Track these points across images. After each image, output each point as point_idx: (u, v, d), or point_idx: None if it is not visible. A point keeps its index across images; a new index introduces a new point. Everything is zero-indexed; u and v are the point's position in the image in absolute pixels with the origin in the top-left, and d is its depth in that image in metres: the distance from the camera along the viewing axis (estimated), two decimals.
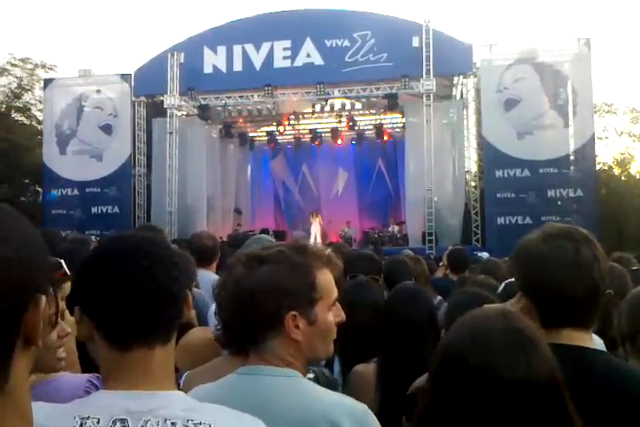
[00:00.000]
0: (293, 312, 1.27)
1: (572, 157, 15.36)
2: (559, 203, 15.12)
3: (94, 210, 17.45)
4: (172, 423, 0.95)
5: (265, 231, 14.71)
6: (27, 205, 20.50)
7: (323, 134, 19.70)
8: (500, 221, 15.09)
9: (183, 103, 16.98)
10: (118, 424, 0.94)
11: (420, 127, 15.59)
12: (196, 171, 17.35)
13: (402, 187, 18.46)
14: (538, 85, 15.22)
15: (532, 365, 1.09)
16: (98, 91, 17.72)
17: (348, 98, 17.36)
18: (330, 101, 17.54)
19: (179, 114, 17.54)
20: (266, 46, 16.32)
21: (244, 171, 21.26)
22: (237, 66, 16.60)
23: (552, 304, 1.39)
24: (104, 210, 17.43)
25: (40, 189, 20.73)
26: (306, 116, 18.94)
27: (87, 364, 1.57)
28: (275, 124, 19.14)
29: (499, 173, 15.31)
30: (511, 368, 1.08)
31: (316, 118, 19.29)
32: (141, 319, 1.00)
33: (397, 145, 19.30)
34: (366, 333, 2.34)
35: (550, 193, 15.03)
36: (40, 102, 20.76)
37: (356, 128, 19.10)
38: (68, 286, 1.38)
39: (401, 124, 18.87)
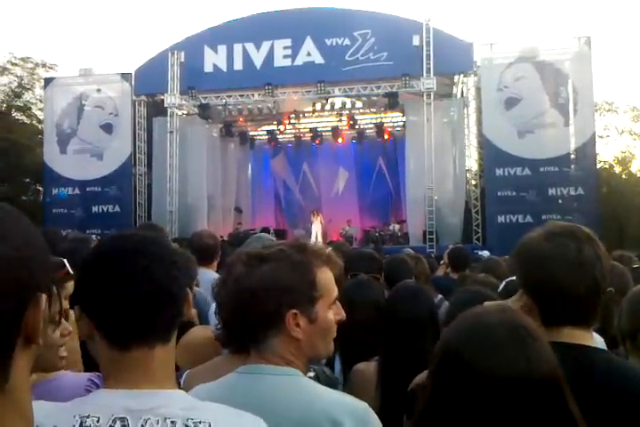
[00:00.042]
0: (294, 311, 1.27)
1: (572, 156, 15.35)
2: (560, 201, 15.12)
3: (95, 209, 17.46)
4: (172, 422, 0.95)
5: (266, 230, 14.73)
6: (27, 205, 20.52)
7: (323, 133, 19.65)
8: (501, 219, 15.08)
9: (184, 102, 16.97)
10: (118, 423, 0.94)
11: (420, 126, 15.59)
12: (196, 170, 17.34)
13: (402, 185, 18.45)
14: (538, 84, 15.20)
15: (532, 361, 1.08)
16: (98, 90, 17.73)
17: (348, 97, 17.34)
18: (330, 100, 17.55)
19: (179, 113, 17.54)
20: (266, 45, 16.30)
21: (244, 170, 21.25)
22: (238, 65, 16.58)
23: (553, 302, 1.39)
24: (105, 209, 17.44)
25: (41, 189, 20.73)
26: (306, 114, 18.92)
27: (88, 362, 1.57)
28: (275, 123, 19.15)
29: (499, 172, 15.29)
30: (509, 364, 1.08)
31: (316, 117, 19.28)
32: (141, 320, 1.00)
33: (398, 144, 19.28)
34: (367, 331, 2.34)
35: (551, 191, 15.01)
36: (40, 101, 20.76)
37: (357, 127, 19.07)
38: (70, 286, 1.38)
39: (401, 123, 18.85)
